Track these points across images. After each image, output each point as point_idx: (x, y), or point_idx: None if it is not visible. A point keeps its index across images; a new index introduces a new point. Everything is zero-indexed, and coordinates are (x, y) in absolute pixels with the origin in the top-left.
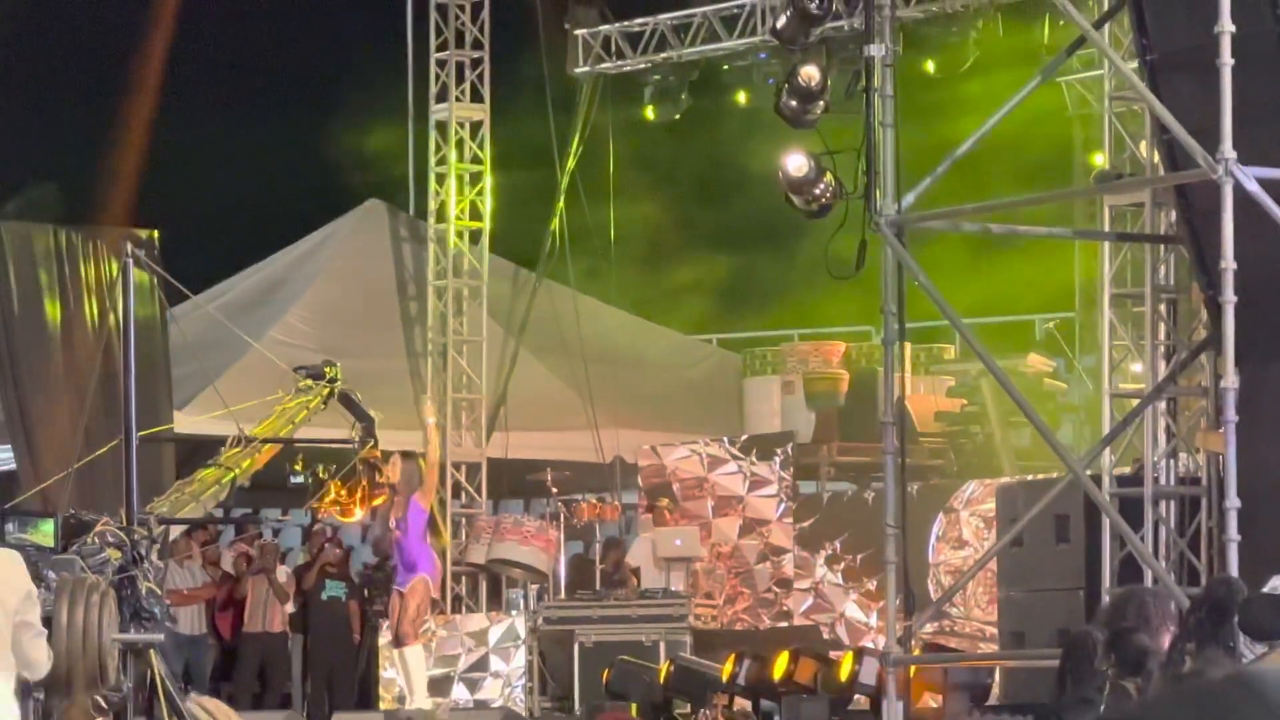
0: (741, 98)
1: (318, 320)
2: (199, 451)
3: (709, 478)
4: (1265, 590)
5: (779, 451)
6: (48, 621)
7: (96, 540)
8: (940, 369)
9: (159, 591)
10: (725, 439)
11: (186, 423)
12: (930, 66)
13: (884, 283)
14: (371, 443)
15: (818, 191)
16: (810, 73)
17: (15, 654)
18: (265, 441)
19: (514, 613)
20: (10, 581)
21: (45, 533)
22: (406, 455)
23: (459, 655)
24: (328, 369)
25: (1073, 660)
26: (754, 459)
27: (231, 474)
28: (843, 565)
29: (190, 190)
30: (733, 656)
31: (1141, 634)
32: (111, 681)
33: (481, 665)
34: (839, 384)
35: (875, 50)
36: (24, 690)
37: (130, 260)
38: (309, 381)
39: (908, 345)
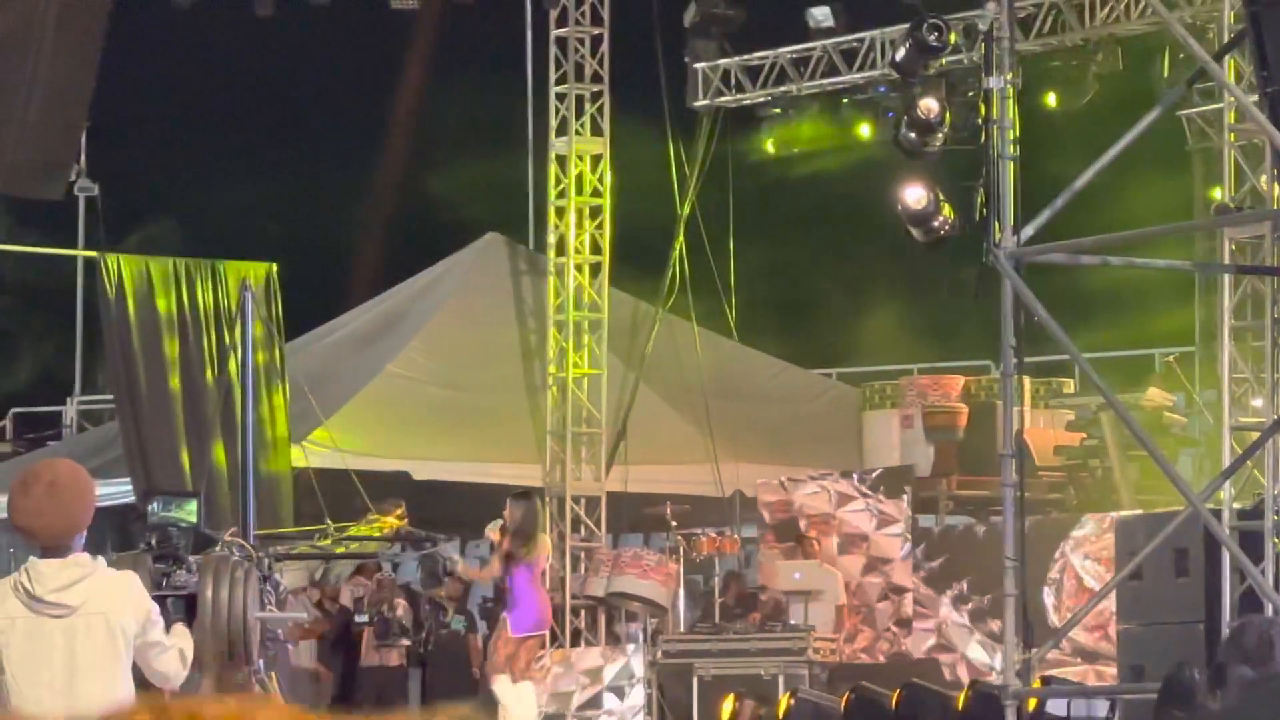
0: (863, 131)
1: (437, 354)
2: (315, 487)
3: (836, 514)
4: None
5: (907, 489)
6: (193, 599)
7: (228, 549)
8: (1059, 403)
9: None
10: (855, 475)
11: (303, 457)
12: (1051, 99)
13: (1003, 316)
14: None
15: (936, 224)
16: (929, 105)
17: (148, 673)
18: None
19: (630, 648)
20: (127, 607)
21: (189, 511)
22: (516, 498)
23: (573, 692)
24: (396, 509)
25: (1169, 696)
26: (882, 495)
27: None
28: (969, 606)
29: (312, 224)
30: (849, 691)
31: (1242, 666)
32: (254, 661)
33: (595, 703)
34: (958, 417)
35: (994, 82)
36: None
37: (249, 293)
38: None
39: (1026, 379)
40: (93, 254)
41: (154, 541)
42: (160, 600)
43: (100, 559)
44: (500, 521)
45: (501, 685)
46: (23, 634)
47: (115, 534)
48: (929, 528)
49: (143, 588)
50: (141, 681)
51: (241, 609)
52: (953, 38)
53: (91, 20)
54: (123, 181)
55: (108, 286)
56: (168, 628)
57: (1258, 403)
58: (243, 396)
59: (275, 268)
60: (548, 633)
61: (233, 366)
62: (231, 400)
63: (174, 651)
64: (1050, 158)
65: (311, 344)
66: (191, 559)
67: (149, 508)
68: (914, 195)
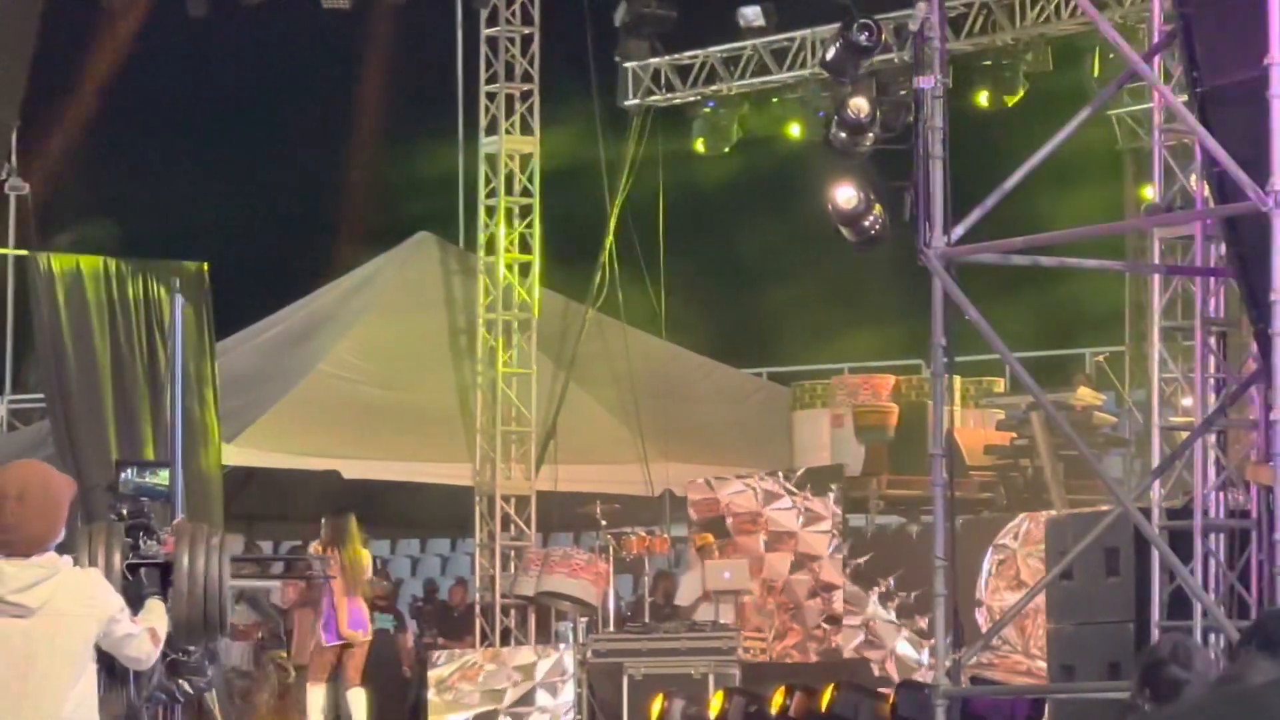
0: (793, 130)
1: (367, 353)
2: (246, 485)
3: (763, 512)
4: None
5: (834, 487)
6: (167, 568)
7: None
8: (990, 402)
9: None
10: (780, 474)
11: (234, 455)
12: (982, 99)
13: (932, 315)
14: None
15: (866, 224)
16: (859, 104)
17: (120, 659)
18: None
19: (562, 646)
20: (89, 608)
21: (162, 478)
22: (330, 515)
23: (505, 690)
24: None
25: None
26: (809, 494)
27: None
28: (896, 602)
29: (239, 223)
30: (782, 689)
31: (1174, 666)
32: (227, 630)
33: (528, 699)
34: (888, 417)
35: (924, 82)
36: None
37: (178, 292)
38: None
39: (957, 379)
40: (23, 252)
41: (125, 511)
42: (133, 569)
43: (66, 559)
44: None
45: (353, 695)
46: None
47: None
48: (860, 527)
49: (107, 586)
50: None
51: (217, 577)
52: (884, 37)
53: (23, 19)
54: (54, 180)
55: (38, 285)
56: (141, 600)
57: (1188, 402)
58: (172, 396)
59: (207, 266)
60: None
61: (163, 365)
62: (162, 399)
63: (143, 635)
64: (982, 157)
65: (243, 343)
66: (162, 529)
67: (121, 476)
68: (844, 195)
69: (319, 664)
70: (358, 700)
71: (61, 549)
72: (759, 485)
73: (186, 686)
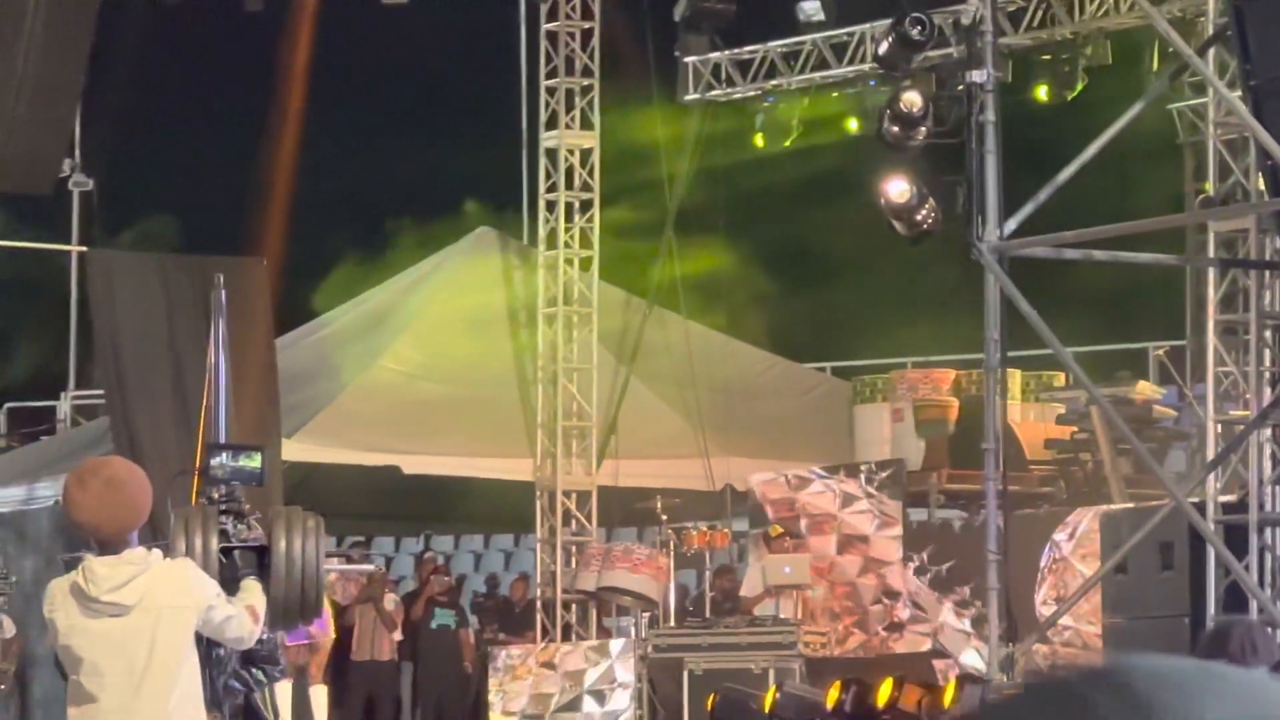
0: (851, 125)
1: (428, 348)
2: (306, 481)
3: (838, 515)
4: None
5: (899, 483)
6: (263, 551)
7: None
8: (1050, 397)
9: None
10: (863, 475)
11: (294, 451)
12: (1041, 94)
13: (986, 309)
14: None
15: (919, 218)
16: (911, 99)
17: (221, 641)
18: None
19: (615, 649)
20: (184, 598)
21: (256, 461)
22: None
23: (553, 695)
24: None
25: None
26: (885, 497)
27: None
28: (972, 612)
29: (300, 218)
30: (838, 684)
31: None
32: (321, 613)
33: (574, 706)
34: (948, 411)
35: (978, 76)
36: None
37: (222, 289)
38: None
39: (1017, 373)
40: (81, 249)
41: (216, 495)
42: (227, 552)
43: (156, 552)
44: None
45: (315, 693)
46: (84, 635)
47: None
48: (916, 521)
49: (200, 574)
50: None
51: (315, 560)
52: (938, 31)
53: (80, 15)
54: (120, 176)
55: (97, 281)
56: (237, 582)
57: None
58: (213, 392)
59: (265, 262)
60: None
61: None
62: (218, 394)
63: (242, 615)
64: (1042, 152)
65: (304, 338)
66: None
67: (213, 461)
68: (896, 189)
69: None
70: (319, 697)
71: (154, 536)
72: (839, 486)
73: (260, 675)
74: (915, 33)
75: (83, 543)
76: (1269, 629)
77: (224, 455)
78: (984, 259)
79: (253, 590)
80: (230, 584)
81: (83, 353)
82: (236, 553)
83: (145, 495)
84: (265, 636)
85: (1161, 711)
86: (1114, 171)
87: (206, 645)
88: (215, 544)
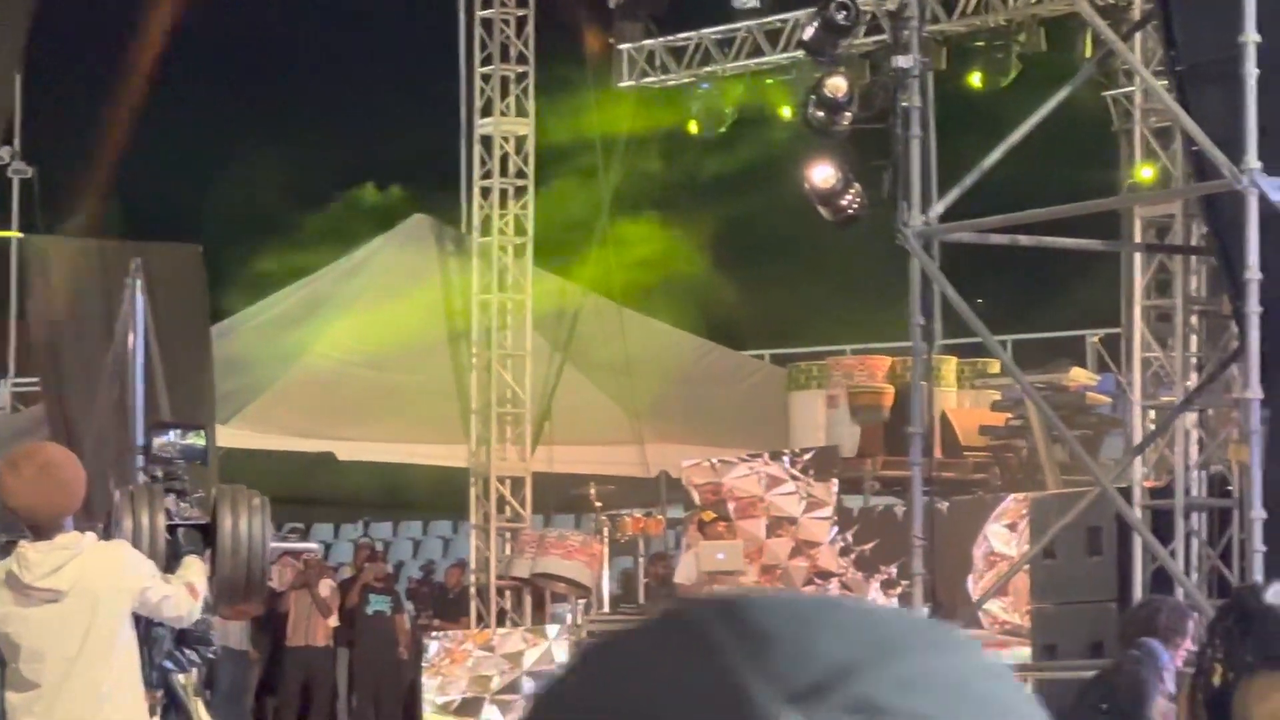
0: (785, 111)
1: (364, 335)
2: (242, 468)
3: (765, 497)
4: (1267, 597)
5: (833, 473)
6: (207, 529)
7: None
8: (985, 383)
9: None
10: (787, 458)
11: (230, 438)
12: (975, 80)
13: (910, 294)
14: None
15: (844, 203)
16: (836, 84)
17: (162, 620)
18: None
19: (552, 633)
20: (118, 582)
21: (201, 439)
22: None
23: (492, 676)
24: None
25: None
26: (811, 479)
27: None
28: (899, 590)
29: (236, 205)
30: None
31: (1145, 669)
32: (264, 592)
33: (514, 688)
34: (883, 397)
35: (903, 62)
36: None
37: (139, 276)
38: None
39: (953, 360)
40: (12, 233)
41: (161, 474)
42: (172, 530)
43: (89, 535)
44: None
45: None
46: (21, 622)
47: None
48: (852, 508)
49: (135, 556)
50: None
51: (261, 538)
52: (871, 17)
53: (15, 9)
54: (60, 164)
55: (34, 267)
56: (180, 559)
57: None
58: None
59: (201, 249)
60: None
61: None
62: (155, 382)
63: (179, 593)
64: (978, 138)
65: (240, 325)
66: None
67: (158, 439)
68: (821, 174)
69: None
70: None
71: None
72: (763, 469)
73: (194, 655)
74: (840, 18)
75: (17, 528)
76: (1195, 611)
77: (169, 434)
78: (909, 244)
79: (192, 567)
80: (174, 562)
81: (24, 340)
82: (180, 530)
83: (79, 480)
84: (200, 616)
85: (778, 641)
86: (1056, 159)
87: (145, 625)
88: (162, 521)
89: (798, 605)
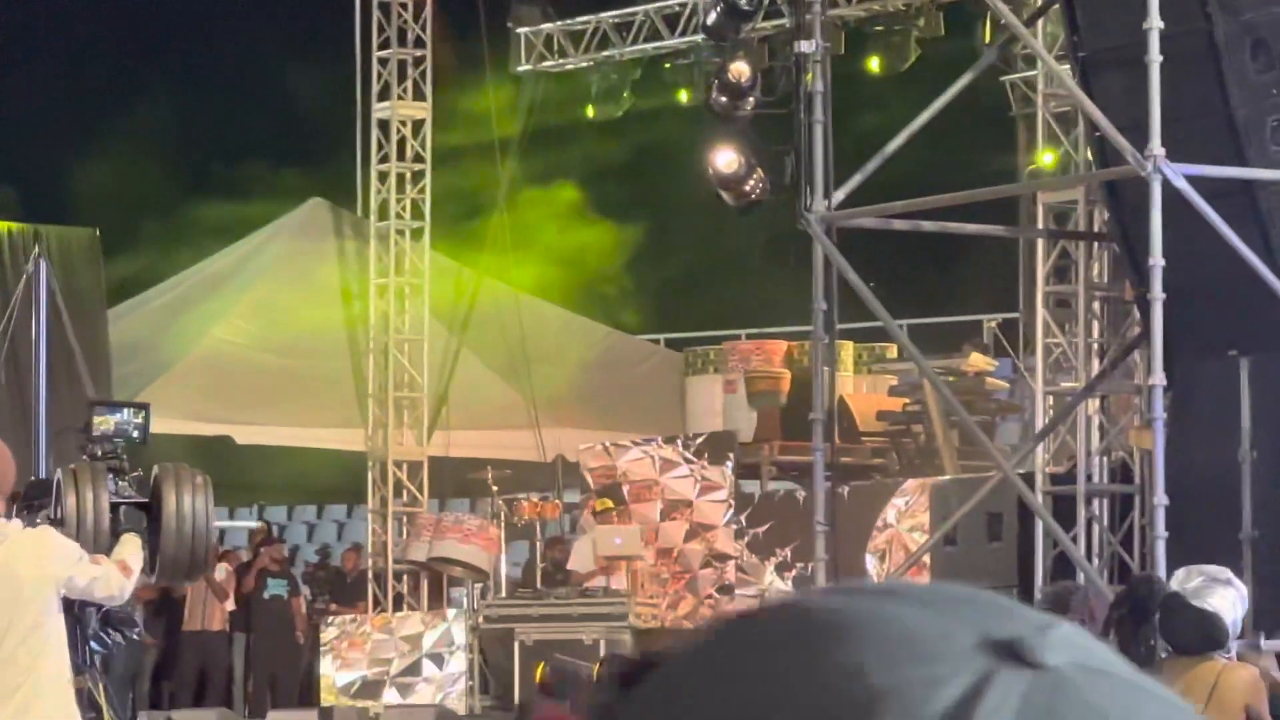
0: (683, 96)
1: (261, 319)
2: (137, 450)
3: (660, 480)
4: (1174, 587)
5: (729, 455)
6: (146, 507)
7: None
8: (882, 368)
9: None
10: (679, 441)
11: None
12: (874, 65)
13: (813, 279)
14: None
15: (747, 188)
16: (739, 69)
17: (96, 600)
18: None
19: (451, 614)
20: (42, 567)
21: (142, 417)
22: None
23: (392, 659)
24: None
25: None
26: (705, 462)
27: None
28: (794, 572)
29: (134, 187)
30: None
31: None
32: (212, 568)
33: (414, 670)
34: (780, 383)
35: (806, 47)
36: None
37: (42, 261)
38: None
39: (849, 344)
40: None
41: (101, 452)
42: (113, 508)
43: (15, 522)
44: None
45: None
46: None
47: None
48: (751, 493)
49: (60, 543)
50: None
51: (205, 516)
52: (769, 2)
53: None
54: None
55: None
56: (117, 537)
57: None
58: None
59: (98, 232)
60: None
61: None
62: (56, 367)
63: (109, 573)
64: (876, 124)
65: (136, 309)
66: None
67: (99, 417)
68: (724, 159)
69: None
70: None
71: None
72: (657, 453)
73: (119, 637)
74: (743, 2)
75: None
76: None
77: (113, 412)
78: (811, 229)
79: (128, 544)
80: (114, 539)
81: None
82: (121, 509)
83: (6, 471)
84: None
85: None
86: (954, 144)
87: (79, 605)
88: (105, 499)
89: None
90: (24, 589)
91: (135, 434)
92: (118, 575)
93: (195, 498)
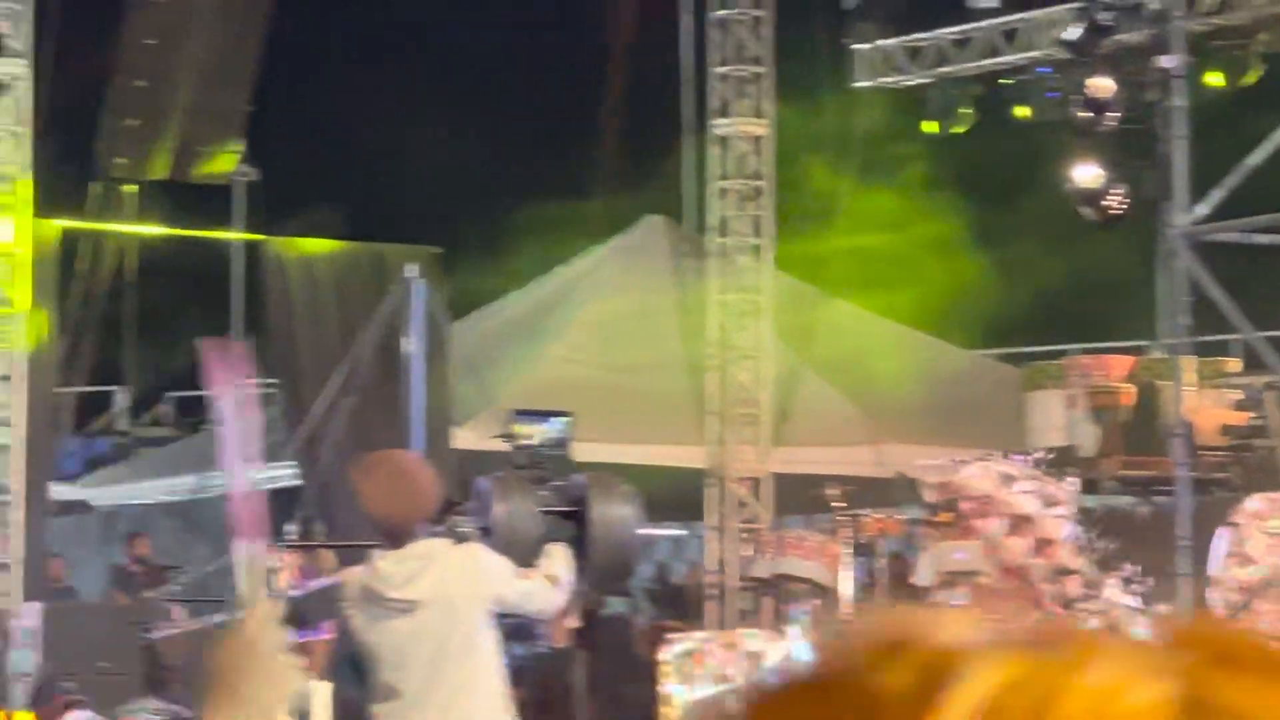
0: (1022, 111)
1: (598, 336)
2: (477, 470)
3: (1001, 495)
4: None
5: (1073, 470)
6: (575, 516)
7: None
8: (1224, 382)
9: None
10: (1020, 456)
11: (466, 439)
12: (1215, 79)
13: (1174, 294)
14: None
15: (1107, 203)
16: (1102, 84)
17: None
18: None
19: (793, 633)
20: (473, 588)
21: (565, 425)
22: None
23: (736, 677)
24: None
25: None
26: (1048, 477)
27: None
28: (1140, 588)
29: (472, 209)
30: None
31: None
32: (636, 575)
33: None
34: (1122, 397)
35: (1168, 61)
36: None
37: (413, 278)
38: None
39: (1193, 359)
40: (255, 237)
41: (525, 463)
42: (543, 516)
43: (443, 541)
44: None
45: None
46: (378, 631)
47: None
48: (1092, 508)
49: (491, 558)
50: None
51: (631, 524)
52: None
53: (253, 3)
54: (285, 166)
55: (269, 271)
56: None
57: None
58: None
59: (439, 253)
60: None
61: (398, 350)
62: (393, 384)
63: (540, 587)
64: (1221, 137)
65: (473, 327)
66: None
67: (516, 426)
68: (1087, 174)
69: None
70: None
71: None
72: (997, 468)
73: (519, 650)
74: (1107, 18)
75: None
76: None
77: (534, 420)
78: (1175, 244)
79: (556, 556)
80: (540, 547)
81: (245, 343)
82: (549, 517)
83: (431, 486)
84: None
85: None
86: None
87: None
88: (534, 507)
89: None
90: (457, 609)
91: (560, 442)
92: (546, 589)
93: (621, 506)
